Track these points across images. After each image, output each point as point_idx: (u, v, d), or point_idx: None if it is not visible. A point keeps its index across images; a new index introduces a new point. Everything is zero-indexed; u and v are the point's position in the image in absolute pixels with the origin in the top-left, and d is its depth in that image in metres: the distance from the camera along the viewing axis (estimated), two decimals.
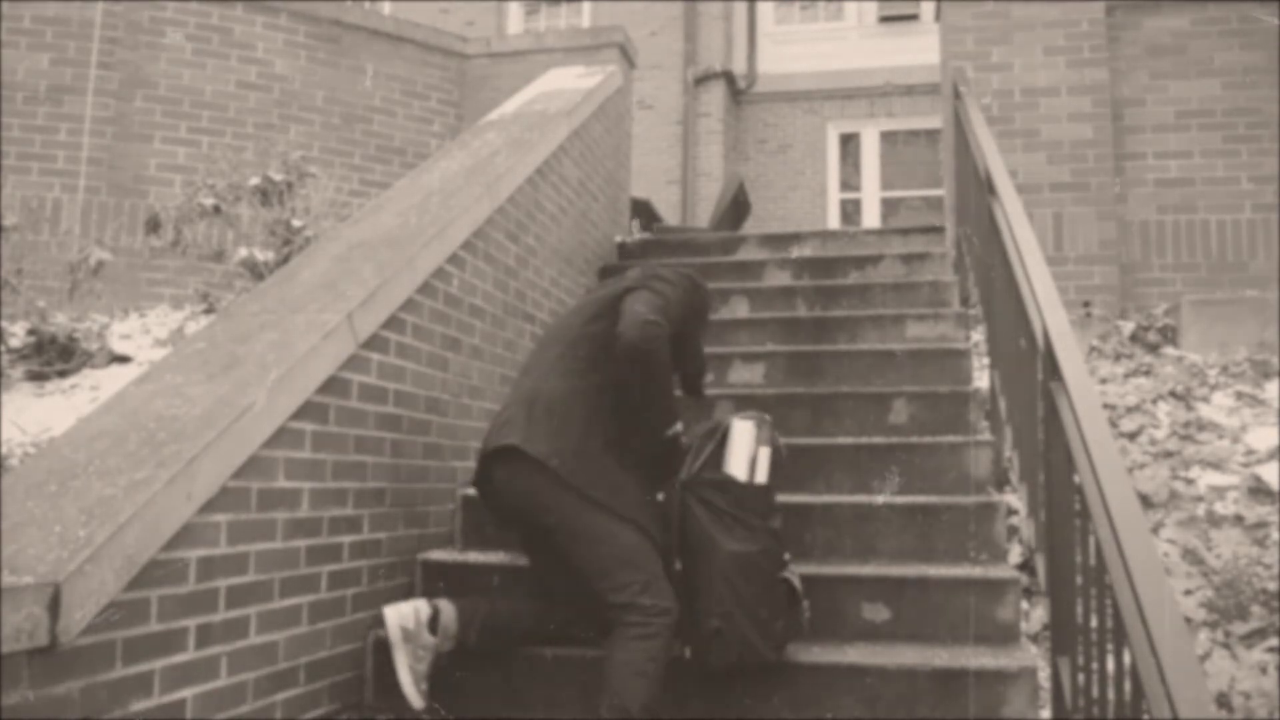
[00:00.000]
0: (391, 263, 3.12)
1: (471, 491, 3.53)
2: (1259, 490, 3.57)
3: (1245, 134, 5.30)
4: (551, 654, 2.86)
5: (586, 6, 11.67)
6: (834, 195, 11.53)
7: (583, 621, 2.83)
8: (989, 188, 3.81)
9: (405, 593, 3.18)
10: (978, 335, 4.57)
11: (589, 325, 2.86)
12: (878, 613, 2.93)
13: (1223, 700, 2.78)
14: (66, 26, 5.96)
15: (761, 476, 2.75)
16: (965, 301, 4.79)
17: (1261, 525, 3.41)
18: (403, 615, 2.75)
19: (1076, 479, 2.29)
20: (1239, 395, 4.23)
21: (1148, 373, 4.56)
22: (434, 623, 2.78)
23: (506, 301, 3.97)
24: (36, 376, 4.41)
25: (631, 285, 2.86)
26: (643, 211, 7.19)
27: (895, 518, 3.20)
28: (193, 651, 2.25)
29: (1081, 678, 2.26)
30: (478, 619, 2.83)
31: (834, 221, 11.34)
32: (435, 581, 3.20)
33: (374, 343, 2.99)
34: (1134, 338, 4.93)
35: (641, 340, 2.66)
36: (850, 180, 11.58)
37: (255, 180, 5.17)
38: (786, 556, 2.78)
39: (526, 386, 2.83)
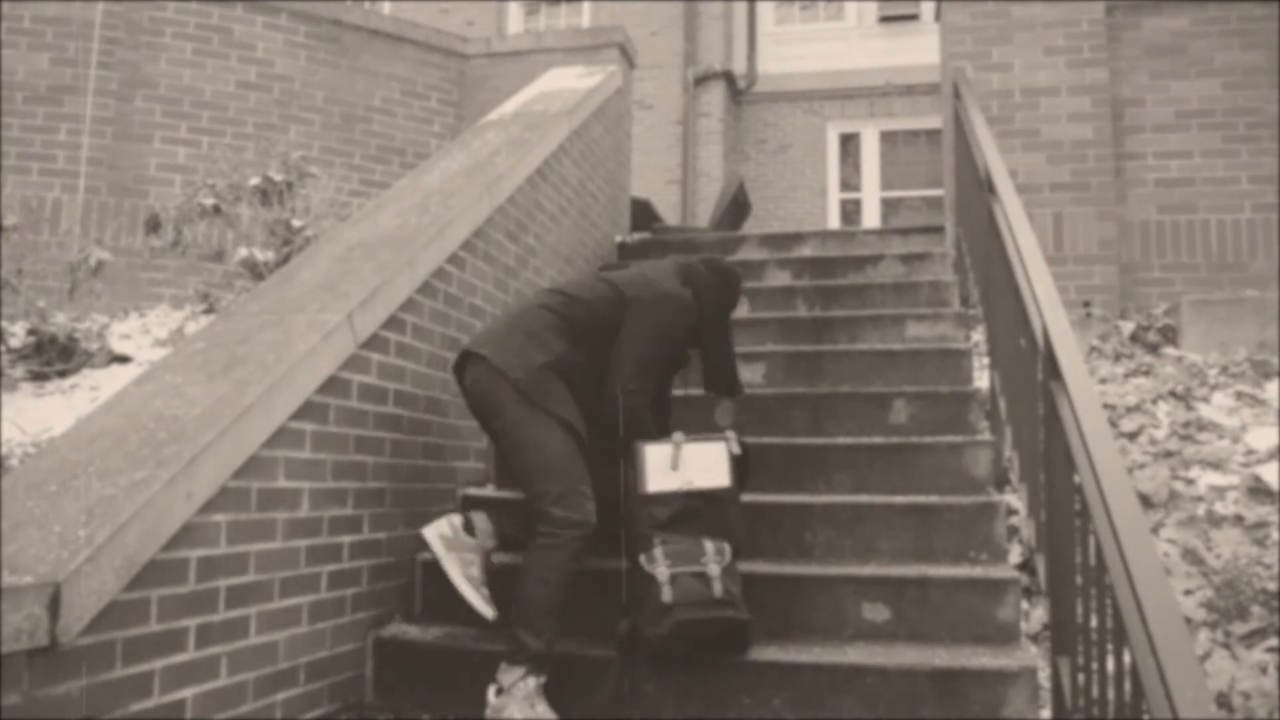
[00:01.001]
0: (391, 263, 3.12)
1: (472, 491, 3.55)
2: (1259, 490, 3.56)
3: (1245, 134, 5.30)
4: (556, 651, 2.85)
5: (586, 6, 11.66)
6: (834, 195, 11.52)
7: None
8: (989, 188, 3.81)
9: (404, 593, 3.19)
10: (978, 335, 4.57)
11: (594, 300, 3.03)
12: (878, 613, 2.93)
13: (1223, 700, 2.78)
14: (66, 26, 5.96)
15: (651, 488, 2.83)
16: (965, 301, 4.79)
17: (1261, 525, 3.41)
18: (439, 527, 2.98)
19: (1076, 479, 2.29)
20: (1239, 395, 4.23)
21: (1148, 373, 4.56)
22: (469, 527, 3.02)
23: (506, 301, 3.97)
24: (36, 376, 4.41)
25: (628, 332, 2.99)
26: (642, 211, 7.18)
27: (895, 518, 3.20)
28: (193, 651, 2.25)
29: (1081, 678, 2.26)
30: (504, 516, 3.07)
31: (834, 221, 11.34)
32: (435, 582, 3.19)
33: (374, 343, 3.00)
34: (1134, 338, 4.93)
35: (624, 407, 2.93)
36: (850, 180, 11.57)
37: (255, 180, 5.17)
38: (654, 551, 2.75)
39: (517, 309, 3.06)
